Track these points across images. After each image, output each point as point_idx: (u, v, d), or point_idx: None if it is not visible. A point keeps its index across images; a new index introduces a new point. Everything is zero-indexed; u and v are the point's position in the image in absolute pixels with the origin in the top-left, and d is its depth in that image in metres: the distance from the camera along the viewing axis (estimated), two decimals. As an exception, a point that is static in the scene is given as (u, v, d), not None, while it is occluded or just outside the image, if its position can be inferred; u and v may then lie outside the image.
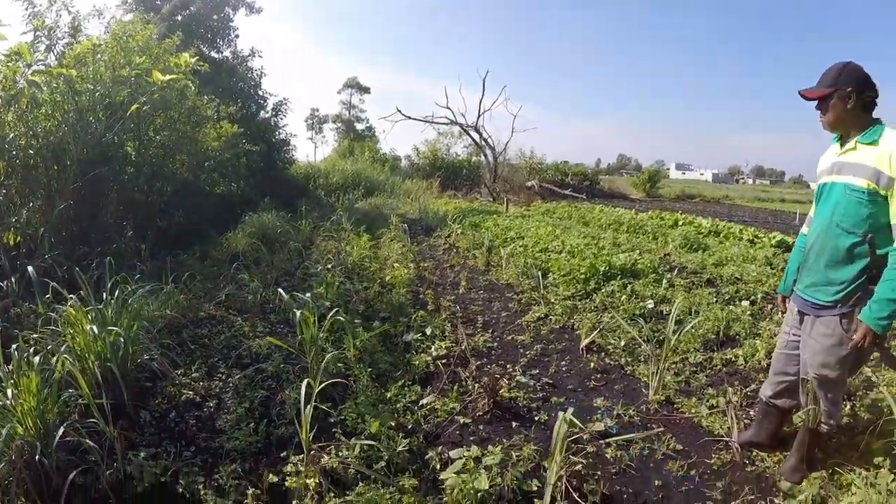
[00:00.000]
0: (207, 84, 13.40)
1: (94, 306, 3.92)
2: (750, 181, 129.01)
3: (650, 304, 5.96)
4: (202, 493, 2.92)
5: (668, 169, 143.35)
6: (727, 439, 3.63)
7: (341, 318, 4.52)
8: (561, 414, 2.98)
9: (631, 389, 4.43)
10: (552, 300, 6.45)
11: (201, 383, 4.11)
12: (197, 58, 9.45)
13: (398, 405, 3.98)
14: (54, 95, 6.59)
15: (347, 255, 8.26)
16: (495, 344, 5.41)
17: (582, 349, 5.12)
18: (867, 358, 3.39)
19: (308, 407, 3.10)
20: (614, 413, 3.98)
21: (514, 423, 3.83)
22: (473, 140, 25.94)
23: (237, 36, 18.98)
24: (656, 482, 3.26)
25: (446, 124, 25.93)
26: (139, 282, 5.03)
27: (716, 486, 3.24)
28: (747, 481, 3.30)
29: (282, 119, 19.11)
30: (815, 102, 3.04)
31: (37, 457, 2.85)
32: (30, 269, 4.65)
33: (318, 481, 2.99)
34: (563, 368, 4.82)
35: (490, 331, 5.76)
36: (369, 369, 4.39)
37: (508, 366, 4.83)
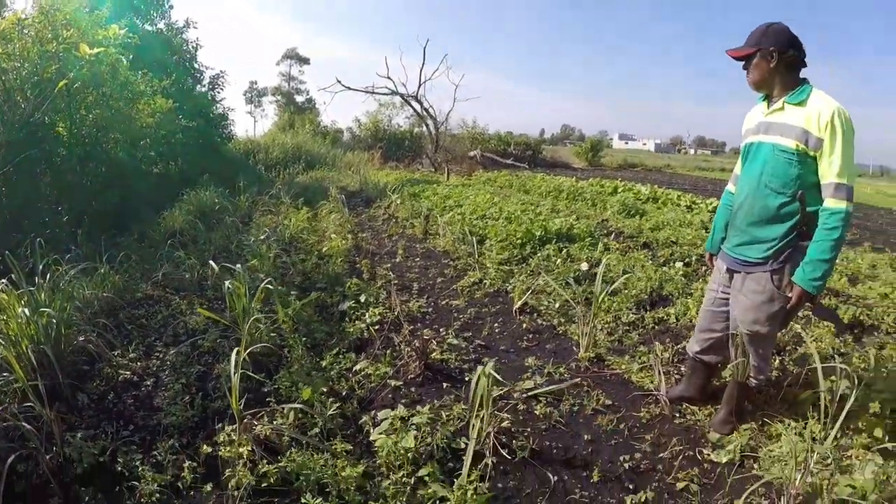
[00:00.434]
0: (141, 58, 12.94)
1: (26, 289, 3.84)
2: (692, 151, 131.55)
3: (584, 266, 6.10)
4: (140, 469, 2.90)
5: (612, 139, 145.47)
6: (656, 393, 3.77)
7: (270, 288, 4.48)
8: (479, 368, 3.05)
9: (563, 349, 4.57)
10: (488, 265, 6.54)
11: (139, 363, 4.08)
12: (126, 30, 9.10)
13: (332, 372, 4.04)
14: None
15: (285, 228, 8.19)
16: (430, 309, 5.49)
17: (515, 311, 5.25)
18: (797, 313, 3.52)
19: (236, 376, 3.11)
20: (545, 371, 4.11)
21: (445, 384, 3.91)
22: (415, 110, 25.88)
23: (171, 7, 18.01)
24: (586, 436, 3.38)
25: (387, 94, 25.77)
26: (73, 264, 4.90)
27: (644, 438, 3.38)
28: (676, 433, 3.45)
29: (219, 93, 18.61)
30: (743, 63, 3.13)
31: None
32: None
33: (251, 449, 3.00)
34: (497, 330, 4.94)
35: (425, 296, 5.84)
36: (304, 339, 4.43)
37: (442, 329, 4.92)
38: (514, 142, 34.01)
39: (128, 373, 3.90)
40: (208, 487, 2.84)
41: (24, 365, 3.36)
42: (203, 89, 18.19)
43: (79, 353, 4.01)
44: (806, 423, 3.25)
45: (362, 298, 5.38)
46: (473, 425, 2.96)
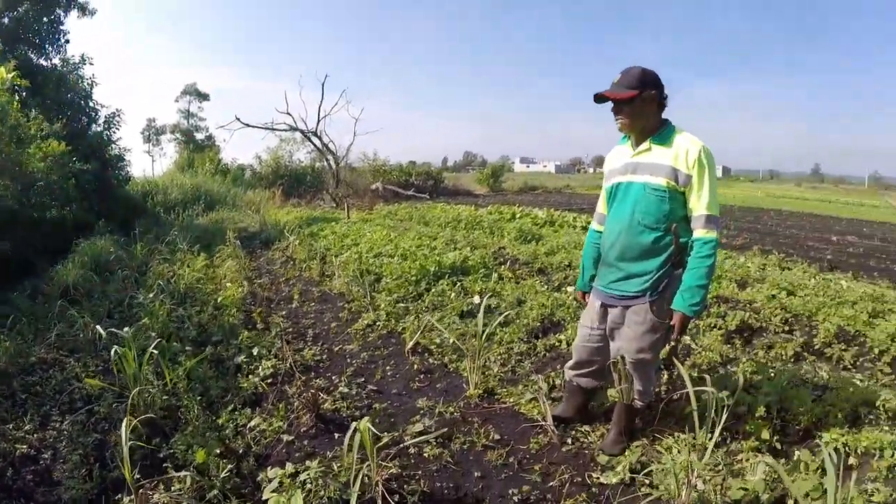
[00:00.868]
0: (34, 95, 12.37)
1: None
2: (591, 170, 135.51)
3: (476, 299, 6.16)
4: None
5: (514, 163, 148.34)
6: (543, 423, 3.83)
7: (154, 353, 4.32)
8: (353, 424, 3.05)
9: (453, 386, 4.60)
10: (381, 305, 6.51)
11: (35, 434, 3.84)
12: (15, 73, 8.67)
13: (227, 430, 3.98)
14: None
15: (180, 278, 7.94)
16: (324, 356, 5.43)
17: (407, 352, 5.25)
18: (680, 336, 3.66)
19: (127, 447, 3.06)
20: (436, 412, 4.11)
21: (336, 435, 3.85)
22: (315, 146, 25.67)
23: (67, 41, 17.25)
24: (476, 473, 3.40)
25: (286, 131, 25.48)
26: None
27: (534, 469, 3.42)
28: (565, 460, 3.52)
29: (115, 132, 17.74)
30: (611, 104, 3.20)
31: None
32: None
33: (149, 520, 2.86)
34: (389, 373, 4.93)
35: (320, 343, 5.78)
36: (200, 397, 4.33)
37: (335, 377, 4.86)
38: (416, 172, 34.22)
39: (25, 446, 3.68)
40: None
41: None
42: (98, 129, 17.25)
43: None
44: (694, 434, 3.31)
45: (255, 351, 5.26)
46: (354, 479, 2.93)
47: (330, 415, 4.11)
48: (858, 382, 4.45)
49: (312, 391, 4.26)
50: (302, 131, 24.68)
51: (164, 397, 4.29)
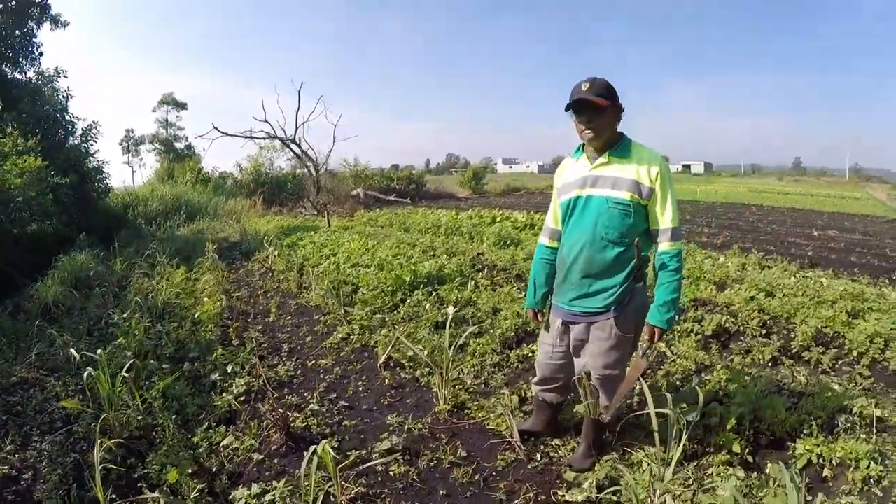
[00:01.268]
0: (10, 110, 12.19)
1: None
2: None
3: (451, 309, 6.11)
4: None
5: (496, 164, 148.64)
6: (511, 440, 3.80)
7: (126, 375, 4.30)
8: (312, 447, 3.03)
9: (424, 401, 4.57)
10: (356, 318, 6.45)
11: (16, 455, 3.81)
12: None
13: (201, 449, 3.95)
14: None
15: (158, 293, 7.85)
16: (298, 371, 5.39)
17: (380, 366, 5.21)
18: (651, 348, 3.65)
19: (98, 470, 3.11)
20: (405, 428, 4.07)
21: (306, 453, 3.79)
22: (295, 153, 25.56)
23: (41, 54, 16.69)
24: (442, 492, 3.38)
25: (265, 139, 25.37)
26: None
27: (499, 487, 3.39)
28: (531, 478, 3.49)
29: (93, 145, 17.59)
30: (584, 116, 3.13)
31: None
32: None
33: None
34: (361, 389, 4.88)
35: (294, 358, 5.73)
36: (175, 415, 4.33)
37: (307, 393, 4.83)
38: (398, 176, 34.12)
39: (6, 467, 3.66)
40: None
41: None
42: (76, 142, 17.19)
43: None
44: (665, 447, 3.29)
45: (229, 368, 5.20)
46: (314, 501, 2.91)
47: (300, 432, 4.09)
48: (836, 387, 4.40)
49: (282, 410, 4.25)
50: (280, 139, 24.65)
51: (140, 417, 4.28)
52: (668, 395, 3.14)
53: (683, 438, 3.02)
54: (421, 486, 3.41)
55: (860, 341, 5.08)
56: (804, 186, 57.49)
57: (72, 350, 5.01)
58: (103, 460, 3.31)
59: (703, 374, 4.67)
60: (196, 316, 6.96)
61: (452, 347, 4.47)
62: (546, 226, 3.66)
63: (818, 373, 4.89)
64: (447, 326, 4.54)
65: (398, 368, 5.19)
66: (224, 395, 4.76)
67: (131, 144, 56.13)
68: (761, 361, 5.07)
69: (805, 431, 3.64)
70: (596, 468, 3.45)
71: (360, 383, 4.97)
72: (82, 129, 17.48)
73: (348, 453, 3.64)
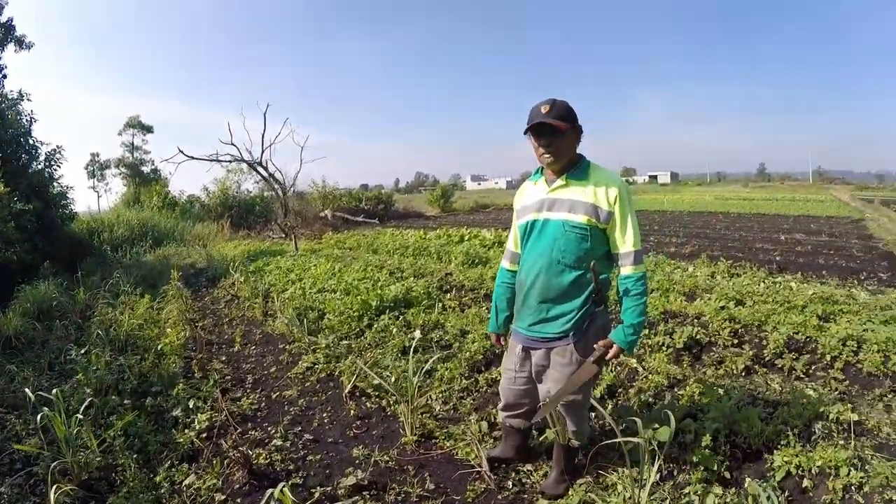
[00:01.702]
0: None
1: None
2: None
3: (417, 333, 5.99)
4: None
5: (465, 181, 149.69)
6: (480, 469, 3.69)
7: (80, 417, 4.11)
8: (269, 491, 2.94)
9: (391, 432, 4.44)
10: (322, 346, 6.28)
11: None
12: None
13: (163, 490, 3.78)
14: None
15: (120, 325, 7.61)
16: (262, 404, 5.20)
17: (345, 396, 5.05)
18: (601, 373, 3.58)
19: None
20: (371, 461, 3.93)
21: (270, 491, 3.66)
22: (262, 175, 25.26)
23: (5, 76, 16.57)
24: (410, 528, 3.24)
25: (230, 162, 24.99)
26: None
27: (468, 520, 3.27)
28: (501, 508, 3.38)
29: (57, 169, 17.13)
30: (542, 138, 3.05)
31: None
32: None
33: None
34: (326, 421, 4.73)
35: (258, 390, 5.54)
36: (137, 454, 4.17)
37: (271, 427, 4.65)
38: (366, 196, 34.03)
39: None
40: None
41: None
42: (39, 166, 16.54)
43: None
44: (639, 469, 3.20)
45: (191, 403, 5.02)
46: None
47: (264, 469, 3.94)
48: (811, 393, 4.42)
49: (244, 447, 4.09)
50: (247, 162, 24.27)
51: (98, 458, 4.10)
52: (638, 421, 3.06)
53: (657, 461, 2.94)
54: (390, 524, 3.28)
55: (833, 345, 5.08)
56: (769, 192, 58.45)
57: (27, 390, 4.82)
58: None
59: (675, 389, 4.62)
60: (159, 347, 6.75)
61: (418, 375, 4.34)
62: (507, 249, 3.60)
63: (792, 379, 4.89)
64: (411, 353, 4.44)
65: (364, 398, 5.04)
66: (186, 431, 4.58)
67: (97, 169, 55.24)
68: (734, 372, 5.05)
69: (782, 442, 3.61)
70: (570, 493, 3.38)
71: (325, 415, 4.82)
72: (46, 154, 16.89)
73: (313, 490, 3.52)
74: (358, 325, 6.79)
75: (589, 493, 3.32)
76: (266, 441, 4.37)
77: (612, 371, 4.81)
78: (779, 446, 3.59)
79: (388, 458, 3.95)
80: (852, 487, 3.14)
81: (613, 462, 3.54)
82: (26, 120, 16.35)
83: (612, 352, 3.04)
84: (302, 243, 17.48)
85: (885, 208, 30.53)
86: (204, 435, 4.50)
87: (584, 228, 3.00)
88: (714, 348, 5.52)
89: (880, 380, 4.66)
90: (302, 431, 4.55)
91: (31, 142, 16.32)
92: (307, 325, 6.73)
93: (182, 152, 22.61)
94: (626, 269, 3.03)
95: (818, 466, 3.30)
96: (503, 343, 3.66)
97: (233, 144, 23.50)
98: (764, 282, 8.56)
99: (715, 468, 3.41)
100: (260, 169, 24.46)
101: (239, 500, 3.60)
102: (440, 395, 4.85)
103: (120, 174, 51.24)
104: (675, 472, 3.47)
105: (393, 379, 5.02)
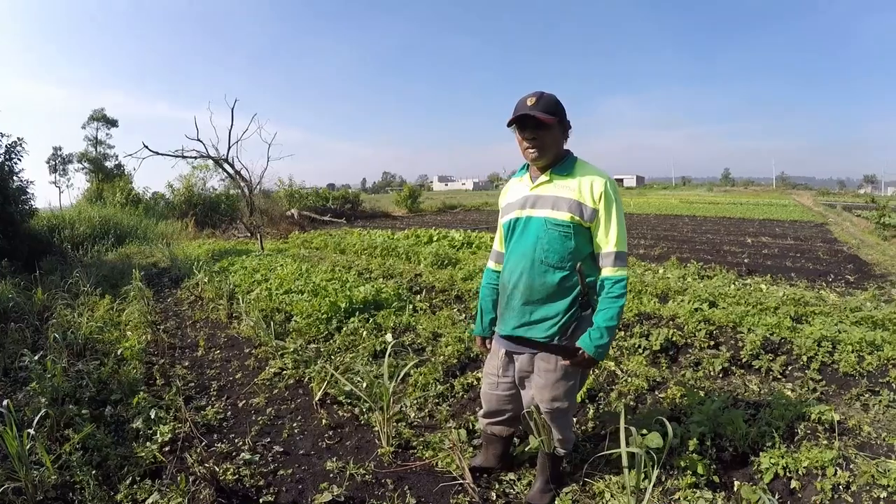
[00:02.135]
0: None
1: None
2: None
3: (389, 337, 5.83)
4: None
5: (432, 182, 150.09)
6: (462, 481, 3.52)
7: (31, 433, 3.83)
8: None
9: (366, 442, 4.22)
10: (290, 350, 6.03)
11: None
12: None
13: None
14: None
15: (79, 327, 7.30)
16: (228, 413, 4.92)
17: (316, 404, 4.83)
18: (587, 377, 3.47)
19: None
20: (347, 474, 3.71)
21: (240, 508, 3.47)
22: (228, 173, 24.87)
23: None
24: (392, 548, 3.06)
25: (196, 158, 24.55)
26: None
27: (456, 537, 3.11)
28: (488, 523, 3.23)
29: (17, 163, 16.54)
30: (526, 132, 2.93)
31: None
32: None
33: None
34: (297, 431, 4.48)
35: (224, 397, 5.26)
36: (96, 470, 3.87)
37: (238, 439, 4.39)
38: (333, 196, 33.79)
39: None
40: None
41: None
42: None
43: None
44: (626, 475, 3.13)
45: (153, 414, 4.76)
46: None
47: (232, 486, 3.69)
48: (790, 393, 4.49)
49: (211, 463, 3.83)
50: (213, 158, 23.86)
51: (55, 477, 3.79)
52: (633, 429, 2.96)
53: (656, 470, 2.84)
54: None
55: (808, 346, 5.14)
56: (734, 196, 59.53)
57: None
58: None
59: (656, 392, 4.58)
60: (120, 352, 6.46)
61: (393, 381, 4.14)
62: (493, 248, 3.48)
63: (770, 380, 4.92)
64: (386, 356, 4.26)
65: (336, 406, 4.82)
66: (148, 444, 4.28)
67: (59, 163, 53.81)
68: (712, 373, 5.06)
69: (767, 443, 3.61)
70: (557, 502, 3.27)
71: (295, 424, 4.58)
72: (6, 146, 16.32)
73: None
74: (326, 327, 6.59)
75: (576, 503, 3.23)
76: (234, 454, 4.13)
77: (591, 374, 4.70)
78: (764, 448, 3.57)
79: (364, 471, 3.74)
80: (840, 487, 3.15)
81: (599, 468, 3.45)
82: (-15, 112, 15.79)
83: (577, 361, 2.90)
84: (268, 243, 17.22)
85: (847, 213, 31.33)
86: (167, 448, 4.23)
87: (568, 226, 2.87)
88: (690, 350, 5.52)
89: (856, 379, 4.72)
90: (271, 443, 4.32)
91: (-10, 135, 15.74)
92: (274, 328, 6.50)
93: (147, 147, 22.21)
94: (607, 271, 2.90)
95: (805, 467, 3.31)
96: (488, 346, 3.50)
97: (199, 140, 23.04)
98: (734, 283, 8.69)
99: (703, 472, 3.34)
100: (226, 166, 24.13)
101: (206, 521, 3.40)
102: (415, 402, 4.68)
103: (83, 169, 49.79)
104: (664, 478, 3.39)
105: (364, 385, 4.84)
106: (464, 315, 6.48)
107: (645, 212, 31.93)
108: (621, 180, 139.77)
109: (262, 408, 4.94)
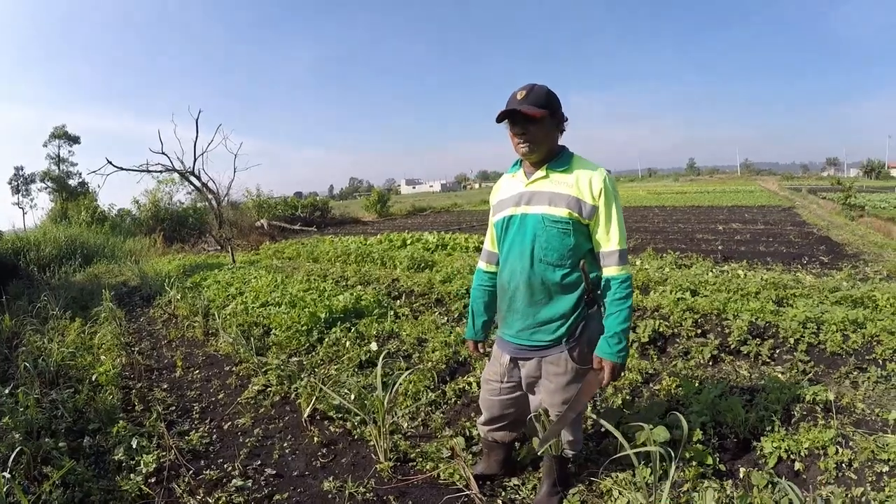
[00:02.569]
0: None
1: None
2: (476, 186, 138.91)
3: (374, 346, 5.71)
4: None
5: (400, 185, 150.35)
6: (469, 492, 3.40)
7: (7, 475, 3.63)
8: None
9: (361, 458, 4.06)
10: (272, 365, 5.84)
11: None
12: None
13: None
14: None
15: (49, 354, 7.03)
16: (214, 437, 4.70)
17: (305, 421, 4.66)
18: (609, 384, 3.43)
19: None
20: (346, 494, 3.56)
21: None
22: (195, 186, 24.44)
23: None
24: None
25: (161, 172, 24.05)
26: None
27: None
28: (499, 533, 3.15)
29: None
30: (506, 123, 2.85)
31: None
32: None
33: None
34: (287, 451, 4.30)
35: (208, 420, 5.05)
36: None
37: (227, 464, 4.19)
38: (302, 204, 33.60)
39: None
40: None
41: None
42: None
43: None
44: (634, 471, 3.09)
45: (134, 443, 4.56)
46: None
47: (227, 516, 3.55)
48: (781, 376, 4.53)
49: (199, 496, 3.65)
50: (179, 171, 23.37)
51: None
52: (646, 426, 2.91)
53: (674, 464, 2.77)
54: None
55: (794, 328, 5.18)
56: (700, 185, 60.53)
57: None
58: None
59: (650, 384, 4.56)
60: (94, 378, 6.22)
61: (388, 392, 4.02)
62: (484, 248, 3.34)
63: (759, 365, 4.96)
64: (378, 367, 4.10)
65: (326, 421, 4.66)
66: (132, 475, 4.04)
67: (21, 183, 52.67)
68: (702, 362, 5.08)
69: (767, 428, 3.62)
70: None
71: (285, 444, 4.41)
72: None
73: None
74: (308, 339, 6.44)
75: (584, 503, 3.17)
76: (224, 481, 3.93)
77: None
78: (765, 433, 3.58)
79: (364, 490, 3.59)
80: (843, 465, 3.18)
81: (604, 467, 3.36)
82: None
83: (606, 373, 2.79)
84: (239, 255, 16.99)
85: (812, 196, 32.04)
86: (153, 479, 4.02)
87: (567, 223, 2.77)
88: (678, 340, 5.53)
89: (843, 358, 4.78)
90: (262, 466, 4.13)
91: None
92: (253, 343, 6.33)
93: (110, 163, 21.65)
94: (611, 270, 2.80)
95: (806, 448, 3.33)
96: (480, 351, 3.41)
97: (164, 153, 22.50)
98: (712, 271, 8.79)
99: (710, 462, 3.32)
100: (193, 179, 23.65)
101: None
102: (407, 412, 4.55)
103: (46, 188, 48.79)
104: (668, 470, 3.32)
105: (352, 397, 4.70)
106: (446, 318, 6.41)
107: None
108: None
109: (249, 428, 4.75)
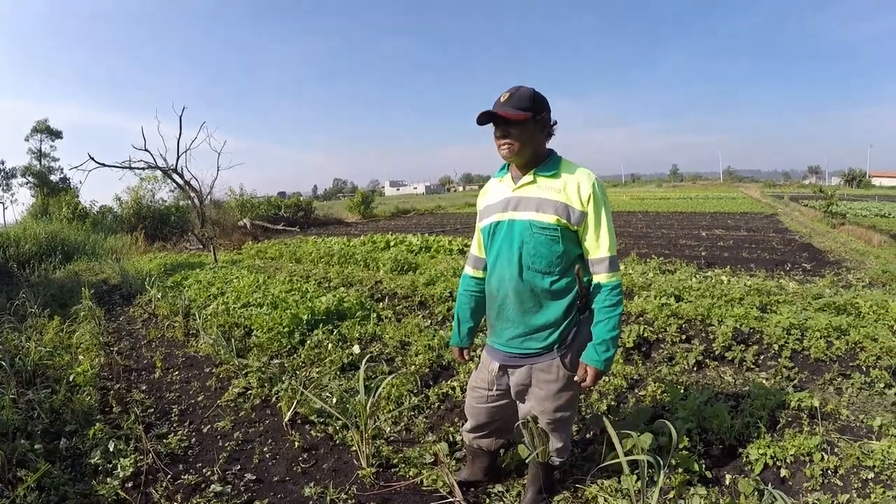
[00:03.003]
0: None
1: None
2: (460, 188, 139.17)
3: (356, 349, 5.65)
4: None
5: (384, 187, 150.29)
6: (452, 499, 3.36)
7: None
8: None
9: (343, 463, 3.99)
10: (253, 367, 5.75)
11: None
12: None
13: None
14: None
15: (27, 353, 6.89)
16: (193, 440, 4.61)
17: (286, 425, 4.58)
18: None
19: None
20: (328, 500, 3.50)
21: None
22: (178, 184, 24.25)
23: None
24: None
25: (144, 169, 23.86)
26: None
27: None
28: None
29: None
30: (491, 126, 2.76)
31: None
32: None
33: None
34: (268, 455, 4.23)
35: (187, 422, 4.96)
36: None
37: (206, 468, 4.10)
38: (285, 204, 33.32)
39: None
40: None
41: None
42: None
43: None
44: (619, 478, 3.15)
45: (111, 446, 4.46)
46: None
47: (205, 522, 3.47)
48: (766, 382, 4.56)
49: (177, 501, 3.59)
50: (161, 168, 23.24)
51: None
52: (634, 434, 2.88)
53: (662, 472, 2.74)
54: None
55: (778, 335, 5.20)
56: (683, 191, 60.95)
57: None
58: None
59: (635, 390, 4.54)
60: (72, 378, 6.10)
61: (371, 396, 3.93)
62: (470, 253, 3.28)
63: (743, 371, 4.99)
64: (361, 370, 4.04)
65: (307, 426, 4.58)
66: (109, 479, 3.96)
67: (2, 178, 51.88)
68: (687, 367, 5.08)
69: (753, 434, 3.61)
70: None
71: (266, 448, 4.33)
72: None
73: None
74: (289, 341, 6.36)
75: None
76: (203, 486, 3.85)
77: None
78: (750, 439, 3.58)
79: (346, 496, 3.53)
80: (828, 472, 3.18)
81: (590, 473, 3.34)
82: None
83: (588, 379, 2.75)
84: (221, 254, 16.83)
85: (794, 203, 32.39)
86: (130, 484, 3.94)
87: (555, 229, 2.71)
88: (663, 345, 5.54)
89: (827, 364, 4.82)
90: (242, 470, 4.05)
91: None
92: (234, 345, 6.22)
93: (93, 159, 21.53)
94: (601, 277, 2.75)
95: (792, 455, 3.33)
96: (466, 357, 3.37)
97: (146, 150, 22.37)
98: (696, 276, 8.85)
99: (696, 469, 3.31)
100: (175, 176, 23.52)
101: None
102: (389, 416, 4.49)
103: (27, 184, 48.14)
104: (655, 477, 3.29)
105: (334, 401, 4.63)
106: (430, 321, 6.37)
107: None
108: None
109: (229, 432, 4.67)
